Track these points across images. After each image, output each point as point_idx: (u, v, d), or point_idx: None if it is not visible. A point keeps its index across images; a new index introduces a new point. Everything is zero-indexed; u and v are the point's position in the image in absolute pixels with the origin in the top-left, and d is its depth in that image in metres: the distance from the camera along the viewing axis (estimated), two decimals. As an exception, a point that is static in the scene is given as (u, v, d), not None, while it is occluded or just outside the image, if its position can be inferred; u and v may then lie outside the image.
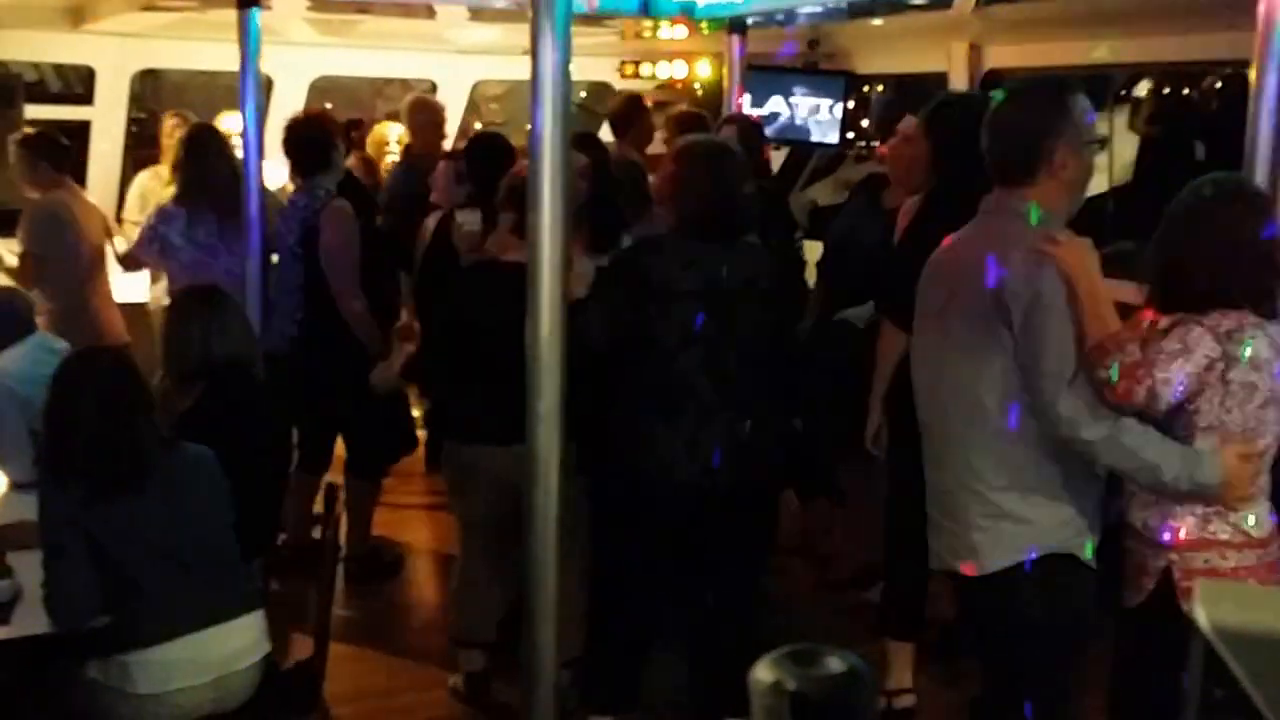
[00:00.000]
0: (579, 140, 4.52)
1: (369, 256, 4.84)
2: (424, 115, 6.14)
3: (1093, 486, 2.78)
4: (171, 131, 6.19)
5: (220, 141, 5.25)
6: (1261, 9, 2.88)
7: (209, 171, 5.06)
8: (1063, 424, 2.63)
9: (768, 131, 6.72)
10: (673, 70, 7.49)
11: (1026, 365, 2.66)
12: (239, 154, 4.92)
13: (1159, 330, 2.66)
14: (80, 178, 6.76)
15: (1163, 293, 2.72)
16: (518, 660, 3.54)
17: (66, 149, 5.58)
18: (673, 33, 6.36)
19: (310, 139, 4.85)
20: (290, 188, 5.21)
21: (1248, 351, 2.60)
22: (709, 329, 3.48)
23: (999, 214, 2.82)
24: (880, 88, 8.29)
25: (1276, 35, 2.88)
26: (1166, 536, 2.68)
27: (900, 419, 3.75)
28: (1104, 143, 5.01)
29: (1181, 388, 2.59)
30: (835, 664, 1.62)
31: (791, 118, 6.86)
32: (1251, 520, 2.67)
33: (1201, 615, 1.11)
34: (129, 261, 5.58)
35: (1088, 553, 2.78)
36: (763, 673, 1.62)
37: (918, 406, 3.00)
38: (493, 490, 3.80)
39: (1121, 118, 6.80)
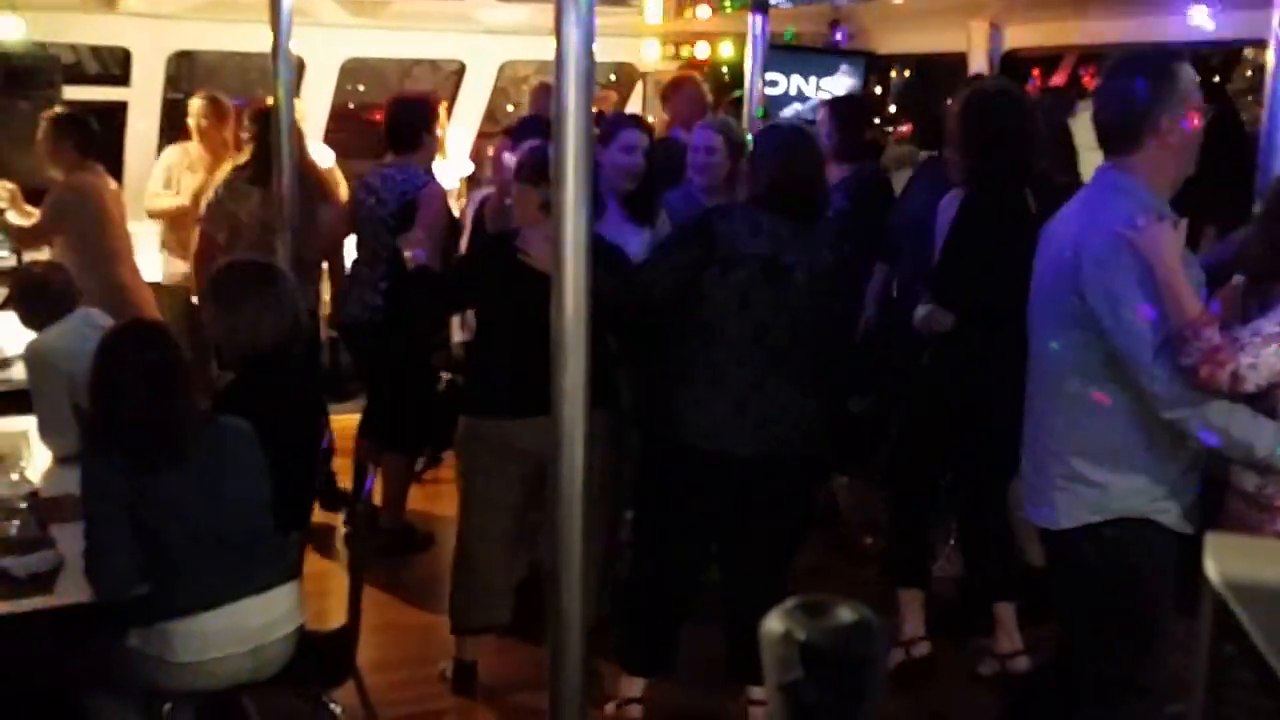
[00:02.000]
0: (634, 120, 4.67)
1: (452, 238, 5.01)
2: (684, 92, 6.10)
3: (1176, 458, 2.83)
4: (200, 113, 6.22)
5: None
6: None
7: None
8: (1153, 402, 2.71)
9: (786, 112, 6.78)
10: (696, 50, 7.49)
11: (1113, 345, 2.74)
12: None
13: (1257, 305, 2.71)
14: (117, 158, 6.86)
15: (1270, 266, 2.76)
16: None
17: (94, 134, 5.60)
18: (695, 13, 6.38)
19: (406, 120, 5.07)
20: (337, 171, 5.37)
21: None
22: (765, 297, 3.54)
23: (1100, 187, 2.89)
24: (909, 71, 8.26)
25: None
26: None
27: (911, 389, 3.99)
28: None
29: (1278, 371, 2.61)
30: (845, 615, 1.62)
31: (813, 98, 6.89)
32: None
33: (1212, 569, 1.12)
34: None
35: (1169, 518, 2.85)
36: (774, 623, 1.63)
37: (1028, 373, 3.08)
38: (520, 465, 3.86)
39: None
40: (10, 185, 5.73)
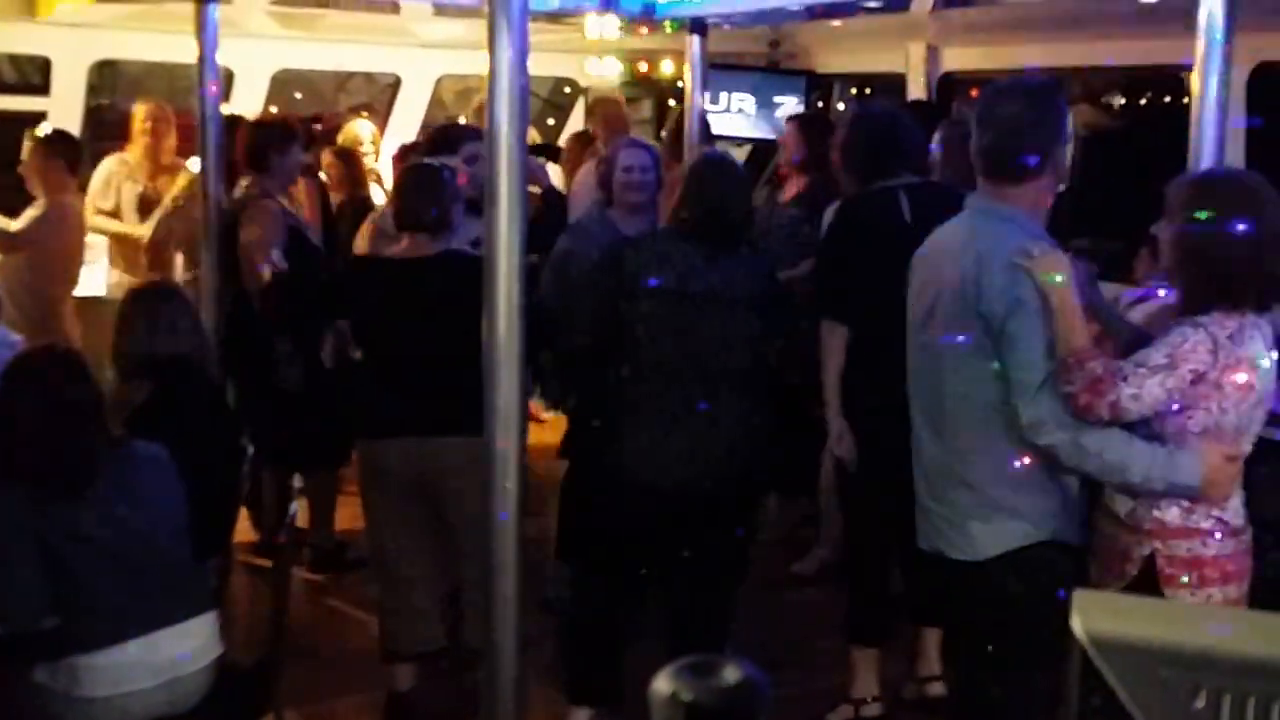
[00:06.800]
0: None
1: (296, 259, 4.71)
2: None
3: (1073, 478, 2.86)
4: (145, 117, 6.10)
5: None
6: (1202, 15, 2.93)
7: None
8: (1027, 428, 2.72)
9: (729, 130, 6.79)
10: (636, 68, 7.51)
11: (1004, 369, 2.74)
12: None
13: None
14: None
15: (1187, 286, 2.71)
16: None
17: (82, 153, 5.62)
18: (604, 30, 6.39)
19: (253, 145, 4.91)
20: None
21: (1257, 358, 2.62)
22: (676, 327, 3.53)
23: (985, 218, 2.86)
24: (858, 90, 8.33)
25: (1217, 40, 2.93)
26: (1151, 525, 2.72)
27: (856, 427, 3.83)
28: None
29: (1162, 401, 2.61)
30: (731, 674, 1.66)
31: (753, 117, 6.90)
32: (1230, 511, 2.74)
33: (1078, 625, 1.17)
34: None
35: (1072, 535, 2.87)
36: (661, 685, 1.67)
37: (910, 397, 3.03)
38: (412, 485, 3.81)
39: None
40: None
